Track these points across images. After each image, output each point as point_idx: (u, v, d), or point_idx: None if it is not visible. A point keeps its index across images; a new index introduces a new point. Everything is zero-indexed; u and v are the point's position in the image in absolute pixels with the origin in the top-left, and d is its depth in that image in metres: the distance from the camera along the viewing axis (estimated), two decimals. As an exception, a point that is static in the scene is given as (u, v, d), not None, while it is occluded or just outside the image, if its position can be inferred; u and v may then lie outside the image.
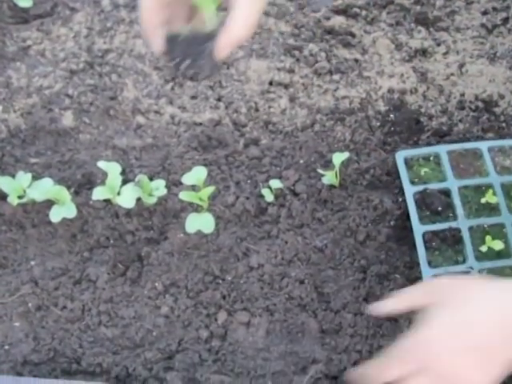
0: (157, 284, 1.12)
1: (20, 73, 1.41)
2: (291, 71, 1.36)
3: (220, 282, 1.12)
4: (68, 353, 1.08)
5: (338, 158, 1.18)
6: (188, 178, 1.17)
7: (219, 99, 1.34)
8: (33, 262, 1.17)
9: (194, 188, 1.17)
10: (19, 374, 1.06)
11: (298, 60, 1.38)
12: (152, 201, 1.17)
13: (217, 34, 0.80)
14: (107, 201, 1.20)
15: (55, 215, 1.17)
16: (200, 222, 1.13)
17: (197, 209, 1.18)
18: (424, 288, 0.90)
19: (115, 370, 1.06)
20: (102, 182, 1.21)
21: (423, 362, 0.80)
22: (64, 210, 1.17)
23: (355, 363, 1.03)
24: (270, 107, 1.32)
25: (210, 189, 1.13)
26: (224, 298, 1.10)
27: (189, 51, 0.82)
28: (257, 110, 1.32)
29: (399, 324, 1.07)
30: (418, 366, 0.80)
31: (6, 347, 1.10)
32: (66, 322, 1.10)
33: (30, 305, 1.12)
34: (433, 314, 0.82)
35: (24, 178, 1.22)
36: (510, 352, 0.79)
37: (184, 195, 1.13)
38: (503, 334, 0.79)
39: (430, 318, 0.82)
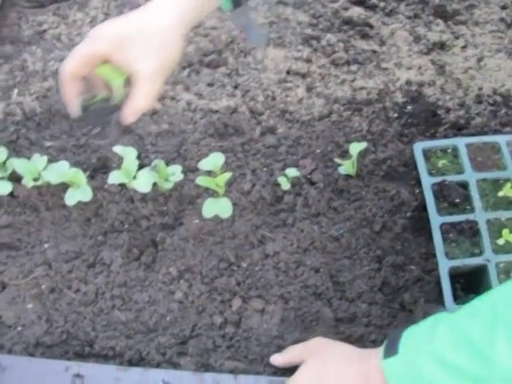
0: (171, 269, 1.11)
1: (36, 57, 1.41)
2: (308, 61, 1.36)
3: (235, 268, 1.11)
4: (81, 336, 1.07)
5: (356, 147, 1.18)
6: (205, 164, 1.17)
7: (236, 87, 1.33)
8: (46, 245, 1.17)
9: (210, 174, 1.17)
10: (31, 356, 1.06)
11: (315, 50, 1.37)
12: (168, 186, 1.17)
13: (122, 105, 0.93)
14: (122, 185, 1.20)
15: (70, 198, 1.17)
16: (217, 207, 1.13)
17: (213, 195, 1.17)
18: (304, 346, 1.00)
19: (128, 353, 1.05)
20: (118, 167, 1.20)
21: None
22: (79, 193, 1.17)
23: (369, 352, 1.03)
24: (287, 96, 1.31)
25: (227, 175, 1.12)
26: (239, 284, 1.10)
27: (98, 120, 0.98)
28: (274, 98, 1.31)
29: (413, 315, 1.06)
30: None
31: (19, 328, 1.10)
32: (79, 304, 1.10)
33: (43, 287, 1.12)
34: (305, 366, 0.95)
35: (39, 160, 1.21)
36: None
37: (201, 180, 1.13)
38: None
39: (302, 368, 0.95)
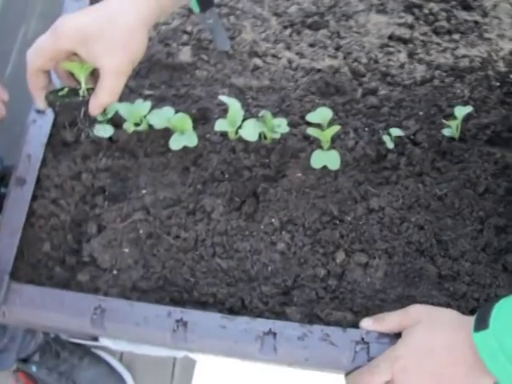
0: (273, 220, 1.11)
1: None
2: (411, 28, 1.36)
3: (338, 222, 1.11)
4: (179, 282, 1.08)
5: (461, 111, 1.17)
6: (313, 117, 1.17)
7: (337, 49, 1.33)
8: (144, 191, 1.17)
9: (318, 127, 1.17)
10: (127, 299, 1.06)
11: (417, 18, 1.37)
12: (275, 136, 1.17)
13: (87, 98, 0.97)
14: (224, 136, 1.20)
15: (175, 142, 1.17)
16: (326, 158, 1.13)
17: (317, 150, 1.17)
18: (403, 314, 0.98)
19: (230, 301, 1.06)
20: (219, 118, 1.20)
21: (392, 375, 0.91)
22: (185, 139, 1.17)
23: (472, 311, 1.02)
24: (388, 60, 1.31)
25: (336, 127, 1.12)
26: (342, 237, 1.09)
27: (66, 114, 1.02)
28: (376, 61, 1.31)
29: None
30: (389, 377, 0.92)
31: (115, 272, 1.10)
32: (178, 251, 1.10)
33: (141, 232, 1.13)
34: (410, 334, 0.93)
35: (143, 105, 1.22)
36: None
37: (311, 131, 1.13)
38: (468, 369, 0.88)
39: (409, 337, 0.93)
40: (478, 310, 0.90)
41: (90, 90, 0.98)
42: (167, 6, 1.00)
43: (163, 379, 1.80)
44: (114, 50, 0.93)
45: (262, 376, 1.48)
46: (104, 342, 1.45)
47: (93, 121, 1.03)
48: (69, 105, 0.98)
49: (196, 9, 1.07)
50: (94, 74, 0.99)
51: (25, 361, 1.70)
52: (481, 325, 0.86)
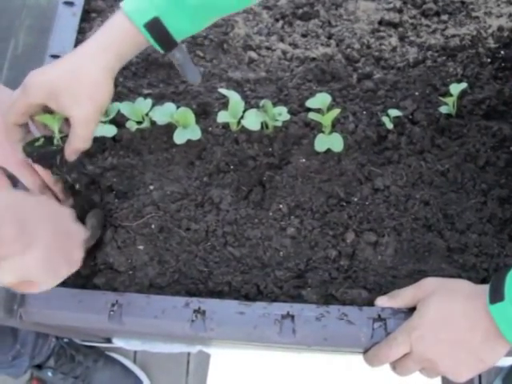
0: (281, 206, 1.12)
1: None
2: (399, 12, 1.38)
3: (345, 204, 1.13)
4: (193, 274, 1.08)
5: (456, 88, 1.20)
6: (313, 102, 1.19)
7: (330, 37, 1.36)
8: (151, 187, 1.18)
9: (318, 112, 1.19)
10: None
11: (405, 2, 1.40)
12: (277, 124, 1.19)
13: (61, 146, 1.05)
14: (226, 128, 1.22)
15: (180, 137, 1.18)
16: (329, 141, 1.15)
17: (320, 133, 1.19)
18: (416, 288, 1.00)
19: (245, 288, 1.06)
20: (220, 111, 1.21)
21: (411, 346, 0.93)
22: (189, 132, 1.18)
23: (483, 281, 1.04)
24: (380, 45, 1.34)
25: (336, 111, 1.14)
26: (350, 218, 1.11)
27: (44, 162, 1.07)
28: (368, 47, 1.34)
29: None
30: (407, 349, 0.94)
31: (131, 272, 1.10)
32: (190, 243, 1.11)
33: (153, 226, 1.13)
34: (426, 306, 0.95)
35: (144, 103, 1.23)
36: (486, 353, 0.91)
37: (312, 115, 1.14)
38: (485, 335, 0.90)
39: (425, 309, 0.95)
40: (490, 280, 0.92)
41: (65, 138, 1.06)
42: (127, 53, 1.06)
43: (179, 376, 1.80)
44: (81, 101, 1.00)
45: (277, 368, 1.49)
46: (117, 343, 1.45)
47: (70, 166, 1.09)
48: (45, 154, 1.05)
49: (160, 50, 1.10)
50: (68, 122, 1.05)
51: (39, 367, 1.70)
52: (496, 297, 0.88)
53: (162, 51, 1.09)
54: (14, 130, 1.06)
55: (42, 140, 1.07)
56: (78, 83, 1.00)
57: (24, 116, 1.04)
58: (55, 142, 1.06)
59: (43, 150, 1.06)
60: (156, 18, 1.01)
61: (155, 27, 1.02)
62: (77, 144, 1.04)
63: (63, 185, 1.16)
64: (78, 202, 1.18)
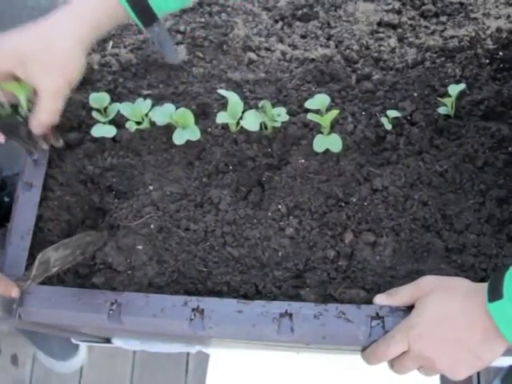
0: (280, 207, 1.13)
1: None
2: (398, 13, 1.39)
3: (343, 204, 1.13)
4: (192, 273, 1.09)
5: (454, 89, 1.20)
6: (311, 103, 1.20)
7: (329, 38, 1.36)
8: (151, 187, 1.18)
9: (317, 113, 1.19)
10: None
11: (404, 3, 1.41)
12: (276, 125, 1.19)
13: (27, 117, 1.00)
14: (225, 128, 1.22)
15: (179, 137, 1.19)
16: (328, 142, 1.15)
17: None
18: (414, 286, 0.99)
19: (244, 287, 1.07)
20: (219, 112, 1.22)
21: (408, 344, 0.93)
22: (188, 133, 1.19)
23: (481, 281, 1.04)
24: (379, 46, 1.34)
25: (335, 112, 1.15)
26: (349, 218, 1.11)
27: (9, 132, 1.03)
28: (367, 48, 1.34)
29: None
30: (405, 347, 0.93)
31: (130, 271, 1.11)
32: (189, 243, 1.11)
33: (152, 226, 1.14)
34: (424, 304, 0.95)
35: (143, 104, 1.23)
36: (484, 352, 0.90)
37: (311, 116, 1.15)
38: (483, 334, 0.90)
39: (423, 307, 0.94)
40: (488, 278, 0.92)
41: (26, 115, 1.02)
42: (104, 25, 1.01)
43: (178, 376, 1.81)
44: (50, 71, 0.95)
45: (276, 368, 1.49)
46: (117, 342, 1.46)
47: (36, 139, 1.06)
48: (10, 124, 1.01)
49: (139, 24, 1.07)
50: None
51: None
52: (495, 295, 0.87)
53: (141, 25, 1.05)
54: None
55: (8, 108, 1.03)
56: (49, 53, 0.95)
57: None
58: (22, 112, 1.02)
59: (8, 121, 1.02)
60: None
61: (137, 0, 0.98)
62: (43, 117, 1.00)
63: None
64: (78, 202, 1.19)
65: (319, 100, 1.19)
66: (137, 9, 1.00)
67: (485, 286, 0.92)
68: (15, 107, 1.03)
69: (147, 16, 1.03)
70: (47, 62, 0.95)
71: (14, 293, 0.99)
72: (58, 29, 0.97)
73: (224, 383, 1.49)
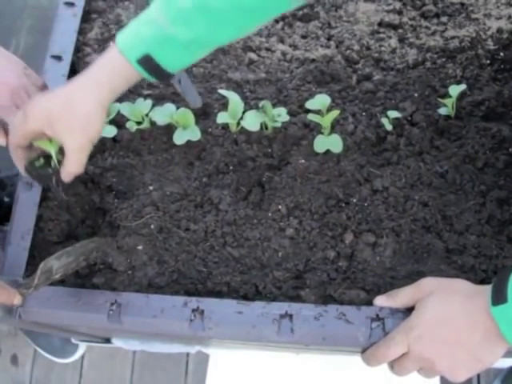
0: (280, 207, 1.13)
1: (129, 12, 1.44)
2: (399, 13, 1.39)
3: (344, 205, 1.13)
4: (192, 274, 1.09)
5: (455, 89, 1.20)
6: (312, 104, 1.19)
7: (329, 38, 1.36)
8: (151, 187, 1.18)
9: (318, 114, 1.19)
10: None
11: (404, 4, 1.40)
12: (277, 125, 1.19)
13: (57, 169, 1.10)
14: (225, 129, 1.22)
15: (179, 137, 1.19)
16: (328, 142, 1.15)
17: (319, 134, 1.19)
18: (415, 288, 0.99)
19: (244, 288, 1.07)
20: (219, 112, 1.22)
21: (408, 346, 0.93)
22: (188, 133, 1.19)
23: (482, 282, 1.04)
24: (380, 46, 1.34)
25: (335, 112, 1.15)
26: (349, 219, 1.11)
27: (42, 180, 1.14)
28: (368, 48, 1.34)
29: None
30: (405, 349, 0.93)
31: (130, 272, 1.10)
32: (189, 243, 1.11)
33: (152, 226, 1.14)
34: (425, 305, 0.95)
35: (144, 104, 1.24)
36: (484, 354, 0.90)
37: (312, 116, 1.15)
38: (484, 335, 0.89)
39: (424, 308, 0.94)
40: (491, 281, 0.92)
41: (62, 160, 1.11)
42: (120, 88, 1.09)
43: (178, 376, 1.81)
44: (74, 132, 1.05)
45: (276, 369, 1.49)
46: (116, 343, 1.46)
47: (65, 185, 1.15)
48: (42, 174, 1.12)
49: (157, 81, 1.13)
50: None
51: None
52: (499, 298, 0.87)
53: (159, 82, 1.12)
54: (17, 151, 1.11)
55: (41, 160, 1.13)
56: (72, 115, 1.05)
57: (25, 140, 1.10)
58: (52, 164, 1.12)
59: (41, 171, 1.12)
60: (147, 54, 1.02)
61: (147, 63, 1.04)
62: (71, 169, 1.09)
63: None
64: (78, 202, 1.18)
65: (320, 100, 1.19)
66: (150, 71, 1.06)
67: (485, 287, 0.91)
68: (47, 159, 1.13)
69: (161, 75, 1.08)
70: (70, 123, 1.05)
71: (17, 301, 1.03)
72: (80, 92, 1.06)
73: (224, 383, 1.49)
